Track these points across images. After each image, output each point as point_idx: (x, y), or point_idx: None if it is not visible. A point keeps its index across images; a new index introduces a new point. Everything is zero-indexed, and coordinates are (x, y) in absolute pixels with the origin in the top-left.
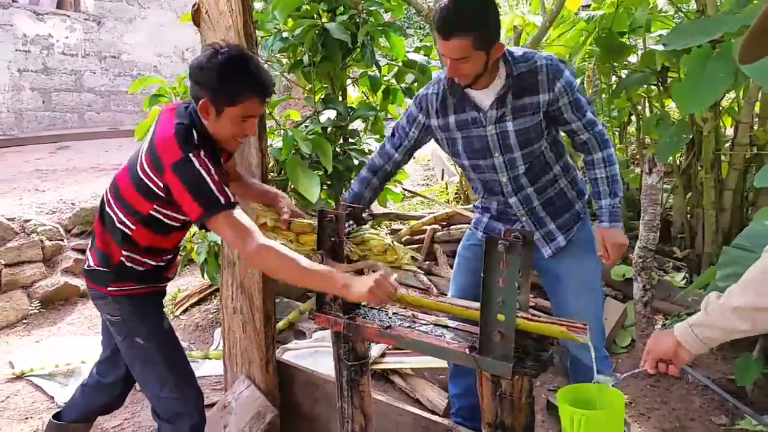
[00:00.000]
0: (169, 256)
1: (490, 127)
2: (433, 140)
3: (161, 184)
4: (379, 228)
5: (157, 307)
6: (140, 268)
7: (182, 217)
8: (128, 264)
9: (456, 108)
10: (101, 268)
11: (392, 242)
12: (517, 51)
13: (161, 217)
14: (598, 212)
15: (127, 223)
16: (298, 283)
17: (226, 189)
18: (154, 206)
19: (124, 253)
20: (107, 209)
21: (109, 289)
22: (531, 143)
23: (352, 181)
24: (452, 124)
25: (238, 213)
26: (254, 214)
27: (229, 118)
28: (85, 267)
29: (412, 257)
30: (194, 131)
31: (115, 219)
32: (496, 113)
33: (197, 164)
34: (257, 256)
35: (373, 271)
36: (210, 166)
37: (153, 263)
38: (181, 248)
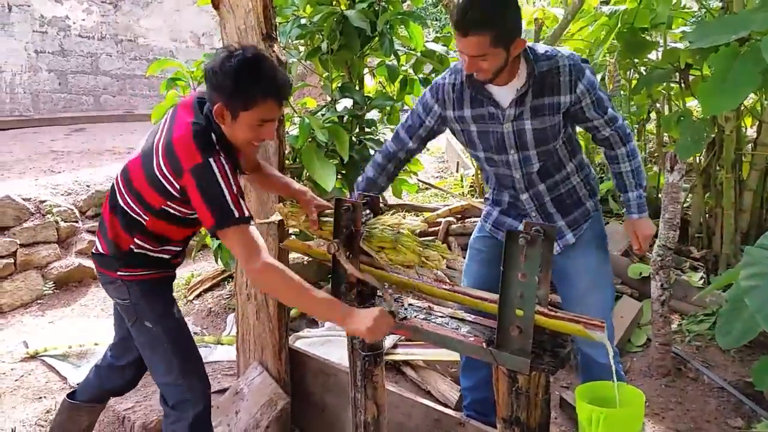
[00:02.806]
0: (179, 248)
1: (507, 124)
2: (448, 131)
3: (178, 186)
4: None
5: (167, 292)
6: (150, 255)
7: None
8: (137, 251)
9: (473, 101)
10: (110, 256)
11: (426, 256)
12: (540, 48)
13: (174, 212)
14: (625, 204)
15: (140, 212)
16: (298, 308)
17: (242, 202)
18: (168, 203)
19: (136, 241)
20: (118, 198)
21: (118, 273)
22: (547, 142)
23: (366, 167)
24: (468, 117)
25: (250, 229)
26: (281, 216)
27: (244, 122)
28: (94, 251)
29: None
30: (212, 134)
31: (126, 208)
32: (515, 111)
33: (216, 171)
34: (261, 275)
35: (376, 296)
36: (228, 174)
37: (162, 253)
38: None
